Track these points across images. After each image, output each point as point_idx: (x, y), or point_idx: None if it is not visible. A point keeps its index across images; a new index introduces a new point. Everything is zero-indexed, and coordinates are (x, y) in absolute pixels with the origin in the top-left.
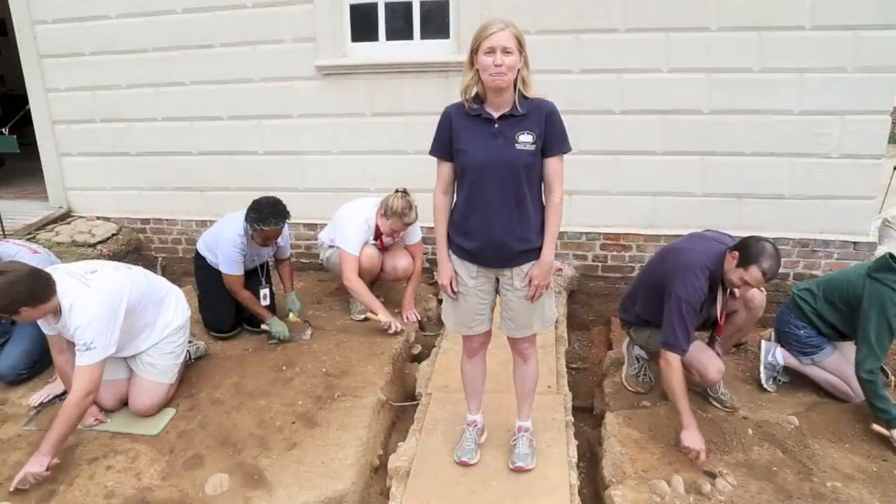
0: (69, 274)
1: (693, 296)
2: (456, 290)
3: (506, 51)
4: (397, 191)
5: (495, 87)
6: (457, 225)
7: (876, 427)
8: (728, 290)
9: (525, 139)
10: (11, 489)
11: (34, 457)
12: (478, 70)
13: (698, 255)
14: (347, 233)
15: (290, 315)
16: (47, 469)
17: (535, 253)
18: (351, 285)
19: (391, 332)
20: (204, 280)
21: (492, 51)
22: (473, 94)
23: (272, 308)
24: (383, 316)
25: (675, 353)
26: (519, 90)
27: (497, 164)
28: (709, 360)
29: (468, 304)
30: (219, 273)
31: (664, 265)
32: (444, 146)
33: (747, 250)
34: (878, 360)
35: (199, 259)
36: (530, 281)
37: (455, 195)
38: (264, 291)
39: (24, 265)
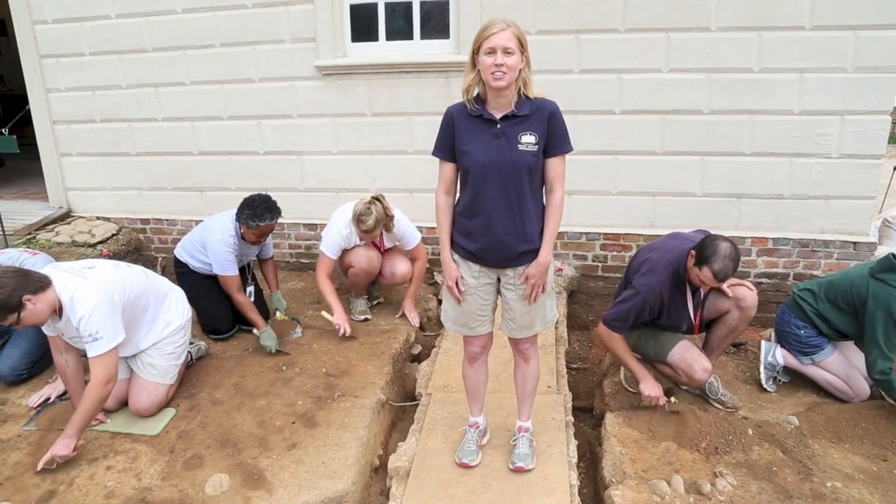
0: (67, 271)
1: (648, 291)
2: (462, 290)
3: (507, 51)
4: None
5: (496, 88)
6: (459, 226)
7: None
8: (702, 290)
9: (528, 140)
10: (39, 468)
11: (60, 440)
12: (479, 70)
13: (664, 254)
14: (329, 234)
15: (278, 314)
16: (74, 450)
17: (537, 253)
18: (318, 284)
19: (340, 334)
20: (190, 286)
21: (492, 51)
22: (475, 94)
23: (260, 305)
24: (337, 318)
25: (612, 331)
26: (521, 91)
27: (499, 165)
28: (694, 360)
29: (469, 305)
30: (205, 277)
31: (638, 262)
32: (446, 147)
33: (703, 251)
34: (888, 359)
35: (180, 266)
36: (527, 279)
37: (458, 195)
38: (249, 289)
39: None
